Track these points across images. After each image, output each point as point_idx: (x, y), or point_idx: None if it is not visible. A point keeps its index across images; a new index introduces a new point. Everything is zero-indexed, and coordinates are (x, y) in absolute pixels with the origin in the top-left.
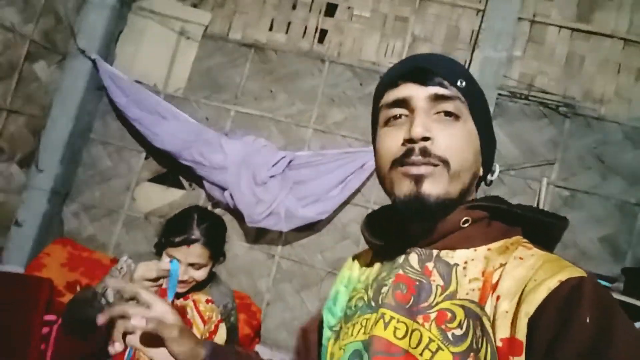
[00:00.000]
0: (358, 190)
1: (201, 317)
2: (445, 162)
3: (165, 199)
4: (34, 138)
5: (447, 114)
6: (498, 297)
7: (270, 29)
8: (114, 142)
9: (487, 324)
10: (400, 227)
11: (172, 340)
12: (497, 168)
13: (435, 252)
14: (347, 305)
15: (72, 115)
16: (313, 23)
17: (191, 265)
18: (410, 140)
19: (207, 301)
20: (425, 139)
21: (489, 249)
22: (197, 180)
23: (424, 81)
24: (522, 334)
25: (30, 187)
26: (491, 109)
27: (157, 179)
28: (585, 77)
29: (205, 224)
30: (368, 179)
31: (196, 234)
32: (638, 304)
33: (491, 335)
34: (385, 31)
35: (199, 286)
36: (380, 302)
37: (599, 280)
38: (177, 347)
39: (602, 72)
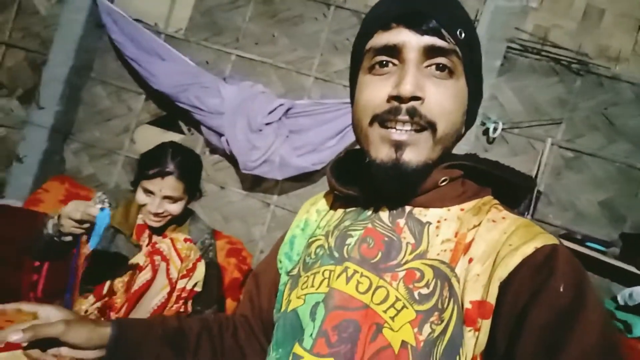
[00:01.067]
0: (356, 142)
1: (178, 255)
2: (433, 126)
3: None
4: (33, 74)
5: (440, 67)
6: (470, 260)
7: None
8: (113, 82)
9: (456, 286)
10: (370, 178)
11: (63, 335)
12: (499, 126)
13: (408, 208)
14: (305, 251)
15: (72, 52)
16: None
17: (166, 198)
18: (397, 98)
19: (185, 240)
20: (415, 98)
21: (462, 209)
22: (195, 124)
23: (419, 27)
24: (493, 297)
25: (30, 124)
26: (498, 63)
27: (156, 122)
28: (603, 32)
29: (179, 158)
30: None
31: (170, 166)
32: (633, 270)
33: (459, 296)
34: None
35: (176, 221)
36: (345, 254)
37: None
38: (72, 338)
39: (621, 27)
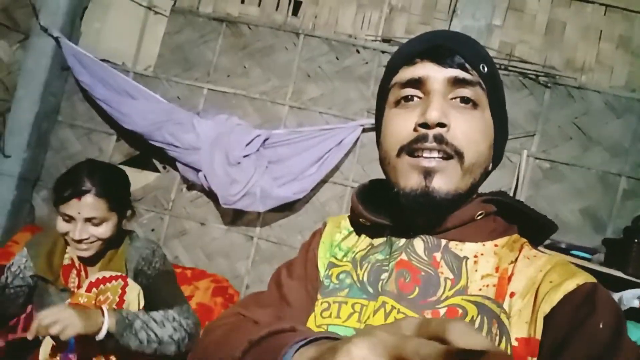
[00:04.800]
0: (337, 168)
1: (98, 307)
2: (460, 155)
3: (138, 182)
4: None
5: (465, 100)
6: (512, 294)
7: (242, 1)
8: (82, 124)
9: (506, 322)
10: (399, 209)
11: None
12: None
13: (443, 242)
14: (325, 272)
15: (37, 97)
16: None
17: (88, 221)
18: (424, 125)
19: (90, 286)
20: (441, 125)
21: (495, 245)
22: (170, 162)
23: (444, 61)
24: (539, 333)
25: None
26: None
27: (129, 162)
28: (566, 45)
29: (97, 174)
30: (346, 156)
31: (87, 184)
32: (618, 274)
33: (510, 333)
34: (362, 1)
35: (110, 246)
36: (379, 289)
37: (579, 252)
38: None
39: (583, 39)
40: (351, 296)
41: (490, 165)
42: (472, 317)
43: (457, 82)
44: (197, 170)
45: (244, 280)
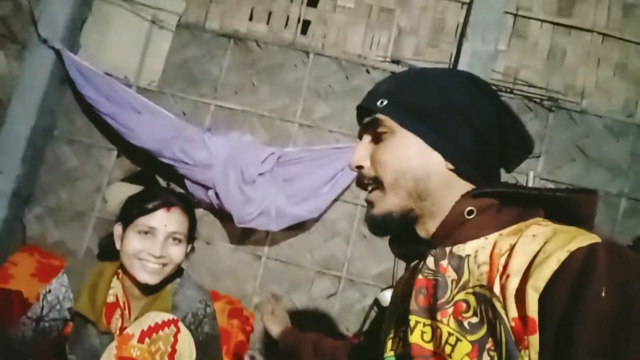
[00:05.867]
0: (347, 187)
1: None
2: (378, 181)
3: None
4: None
5: (377, 135)
6: (508, 276)
7: (251, 18)
8: (80, 139)
9: (498, 305)
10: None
11: None
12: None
13: (448, 249)
14: (387, 320)
15: (33, 111)
16: (295, 13)
17: (171, 236)
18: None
19: (143, 335)
20: (359, 167)
21: (500, 234)
22: (175, 178)
23: (360, 119)
24: (533, 310)
25: None
26: None
27: (130, 179)
28: (567, 71)
29: (178, 193)
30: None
31: (174, 198)
32: None
33: (503, 316)
34: (371, 22)
35: (165, 283)
36: (408, 309)
37: None
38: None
39: (583, 65)
40: (396, 325)
41: (445, 164)
42: (474, 308)
43: (368, 127)
44: (207, 188)
45: (252, 301)
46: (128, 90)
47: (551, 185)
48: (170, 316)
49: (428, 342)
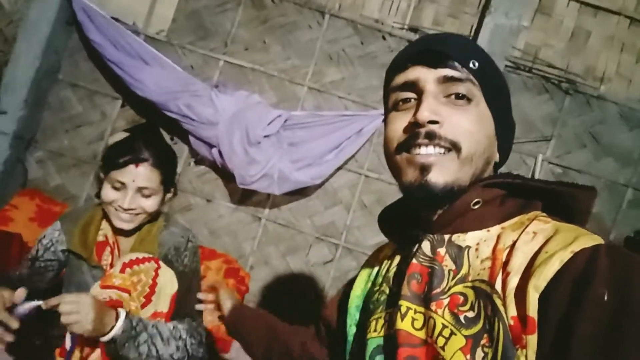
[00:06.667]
0: (352, 156)
1: (123, 290)
2: (456, 146)
3: None
4: None
5: (458, 96)
6: (508, 274)
7: None
8: (85, 85)
9: (498, 302)
10: (413, 215)
11: None
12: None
13: (447, 236)
14: (369, 300)
15: (39, 52)
16: None
17: (140, 190)
18: (415, 124)
19: (125, 266)
20: (433, 122)
21: (502, 228)
22: (180, 133)
23: (433, 63)
24: (533, 310)
25: None
26: None
27: (134, 130)
28: (589, 53)
29: (154, 145)
30: (363, 145)
31: (144, 153)
32: None
33: (503, 313)
34: None
35: (146, 223)
36: (399, 294)
37: None
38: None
39: (606, 49)
40: (383, 308)
41: (497, 156)
42: (472, 302)
43: (447, 81)
44: (211, 146)
45: (249, 260)
46: (136, 39)
47: (559, 170)
48: (151, 254)
49: (419, 329)
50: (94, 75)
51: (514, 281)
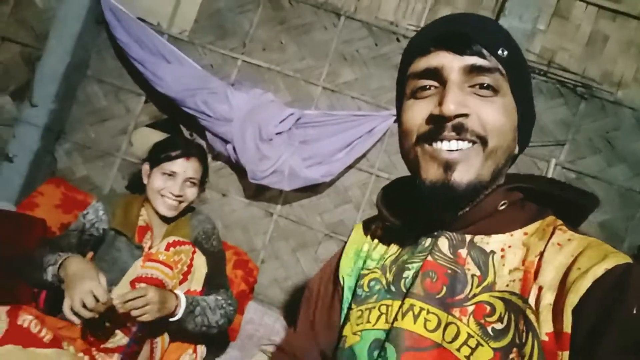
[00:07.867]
0: (363, 155)
1: (166, 264)
2: (483, 140)
3: None
4: (28, 69)
5: (484, 87)
6: (540, 288)
7: None
8: (111, 81)
9: (532, 318)
10: (424, 205)
11: None
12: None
13: (468, 237)
14: (357, 283)
15: (69, 48)
16: None
17: (187, 180)
18: (439, 118)
19: (169, 246)
20: (460, 115)
21: (525, 234)
22: (198, 130)
23: (459, 49)
24: (567, 326)
25: (22, 122)
26: None
27: (156, 125)
28: (606, 58)
29: (197, 144)
30: (374, 143)
31: (193, 149)
32: None
33: (537, 329)
34: None
35: (182, 214)
36: (403, 288)
37: None
38: None
39: (624, 54)
40: (378, 299)
41: (517, 149)
42: (500, 313)
43: (474, 70)
44: (226, 142)
45: (260, 254)
46: (159, 38)
47: (572, 175)
48: (187, 240)
49: (432, 331)
50: (119, 72)
51: (547, 297)
